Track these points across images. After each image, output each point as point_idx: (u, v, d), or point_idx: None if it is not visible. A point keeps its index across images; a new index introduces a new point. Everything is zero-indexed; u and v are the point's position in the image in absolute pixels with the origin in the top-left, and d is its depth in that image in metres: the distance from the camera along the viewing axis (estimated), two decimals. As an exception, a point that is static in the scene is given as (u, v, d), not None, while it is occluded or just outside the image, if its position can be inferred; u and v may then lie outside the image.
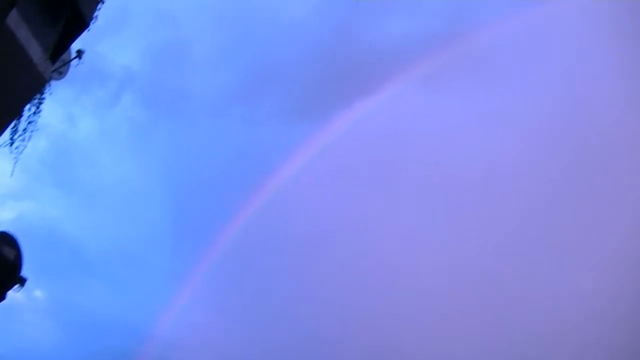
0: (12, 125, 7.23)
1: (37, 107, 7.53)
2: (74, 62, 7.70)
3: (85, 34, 7.39)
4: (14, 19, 5.97)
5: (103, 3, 7.68)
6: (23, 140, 7.40)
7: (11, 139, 7.35)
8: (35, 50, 6.47)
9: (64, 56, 7.68)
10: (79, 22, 7.27)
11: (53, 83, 7.53)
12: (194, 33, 10.16)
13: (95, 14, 7.50)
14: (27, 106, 7.33)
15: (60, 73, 7.62)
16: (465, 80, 6.84)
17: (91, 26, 7.36)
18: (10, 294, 6.47)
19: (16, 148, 7.36)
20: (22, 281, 6.57)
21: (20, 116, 7.30)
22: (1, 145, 7.15)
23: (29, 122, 7.44)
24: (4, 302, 6.47)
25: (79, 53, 7.70)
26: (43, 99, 7.54)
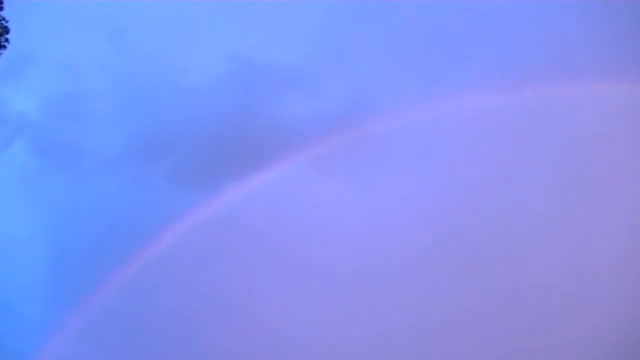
0: None
1: None
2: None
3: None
4: None
5: (5, 48, 7.17)
6: None
7: None
8: None
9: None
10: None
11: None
12: (94, 89, 9.70)
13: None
14: None
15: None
16: (359, 167, 6.92)
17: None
18: None
19: None
20: None
21: None
22: None
23: None
24: None
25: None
26: None
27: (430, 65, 7.61)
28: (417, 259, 8.89)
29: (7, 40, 7.31)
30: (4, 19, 7.34)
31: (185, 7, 7.93)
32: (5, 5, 7.09)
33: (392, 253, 8.71)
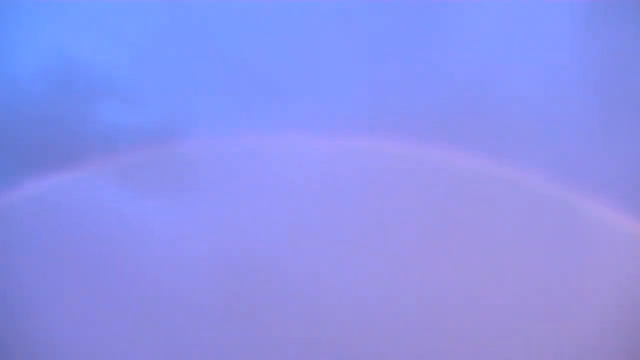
0: None
1: None
2: None
3: None
4: None
5: None
6: None
7: None
8: None
9: None
10: None
11: None
12: None
13: None
14: None
15: None
16: (165, 183, 6.75)
17: None
18: None
19: None
20: None
21: None
22: None
23: None
24: None
25: None
26: None
27: (256, 101, 7.73)
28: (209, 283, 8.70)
29: None
30: None
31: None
32: None
33: (193, 275, 8.40)
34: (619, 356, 6.98)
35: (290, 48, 7.69)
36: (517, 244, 7.08)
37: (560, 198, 6.70)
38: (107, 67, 7.58)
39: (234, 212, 7.21)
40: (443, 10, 7.27)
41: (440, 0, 7.27)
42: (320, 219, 7.22)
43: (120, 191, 7.40)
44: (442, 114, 7.23)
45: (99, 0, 7.70)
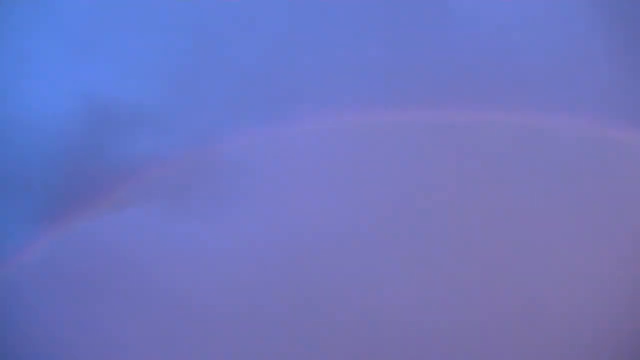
0: None
1: None
2: None
3: None
4: None
5: None
6: None
7: None
8: None
9: None
10: None
11: None
12: None
13: None
14: None
15: None
16: (208, 205, 6.79)
17: None
18: None
19: None
20: None
21: None
22: None
23: None
24: None
25: None
26: None
27: (282, 109, 7.88)
28: (281, 295, 8.64)
29: None
30: None
31: (35, 41, 7.87)
32: None
33: (257, 292, 8.37)
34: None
35: (306, 50, 7.88)
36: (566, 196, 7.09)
37: (594, 137, 6.78)
38: (133, 98, 7.90)
39: (279, 220, 7.30)
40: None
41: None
42: (367, 207, 7.29)
43: (161, 218, 7.59)
44: (456, 72, 7.32)
45: (114, 33, 8.04)
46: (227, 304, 7.20)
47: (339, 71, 7.32)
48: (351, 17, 7.48)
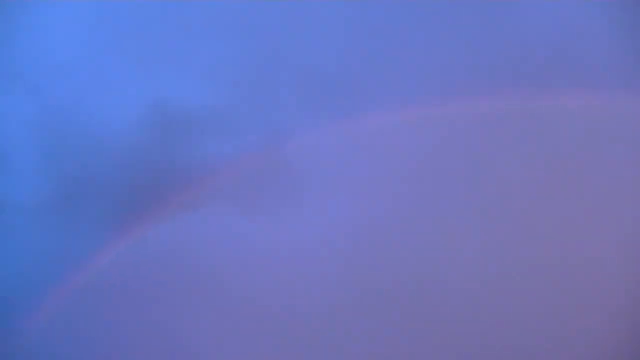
0: None
1: None
2: None
3: None
4: None
5: None
6: None
7: None
8: None
9: None
10: None
11: None
12: (12, 145, 9.42)
13: None
14: None
15: None
16: (279, 204, 6.89)
17: None
18: None
19: None
20: None
21: None
22: None
23: None
24: None
25: None
26: None
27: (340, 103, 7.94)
28: (346, 296, 8.77)
29: None
30: None
31: (100, 54, 8.01)
32: None
33: (323, 292, 8.55)
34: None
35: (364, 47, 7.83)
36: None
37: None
38: (205, 101, 8.00)
39: (351, 215, 7.39)
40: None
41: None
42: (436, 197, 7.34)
43: (235, 217, 7.76)
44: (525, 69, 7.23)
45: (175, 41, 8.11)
46: (307, 303, 7.34)
47: (409, 72, 7.30)
48: (422, 18, 7.41)
